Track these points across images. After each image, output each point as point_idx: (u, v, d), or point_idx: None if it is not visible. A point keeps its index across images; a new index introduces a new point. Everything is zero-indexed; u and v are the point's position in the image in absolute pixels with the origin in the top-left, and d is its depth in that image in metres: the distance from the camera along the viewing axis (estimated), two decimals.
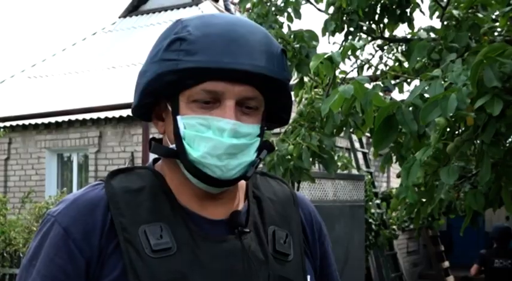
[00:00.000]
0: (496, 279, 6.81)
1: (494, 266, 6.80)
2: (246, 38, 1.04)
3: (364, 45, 3.20)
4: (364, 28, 3.75)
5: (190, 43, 1.02)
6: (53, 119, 9.09)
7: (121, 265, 1.02)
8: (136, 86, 1.11)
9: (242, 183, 1.16)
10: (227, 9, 11.49)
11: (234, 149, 1.04)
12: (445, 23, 3.17)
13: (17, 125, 9.44)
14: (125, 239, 1.03)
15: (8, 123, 9.30)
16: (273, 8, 3.91)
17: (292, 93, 4.02)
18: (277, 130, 4.01)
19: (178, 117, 1.05)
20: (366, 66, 3.91)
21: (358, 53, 3.07)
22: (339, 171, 6.98)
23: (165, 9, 12.47)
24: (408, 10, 3.73)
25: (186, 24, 1.06)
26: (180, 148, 1.05)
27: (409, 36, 3.88)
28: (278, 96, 1.11)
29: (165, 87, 1.05)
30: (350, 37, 3.72)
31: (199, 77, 1.03)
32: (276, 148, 3.42)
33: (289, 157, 3.39)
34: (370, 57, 3.99)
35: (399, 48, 4.21)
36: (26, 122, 9.29)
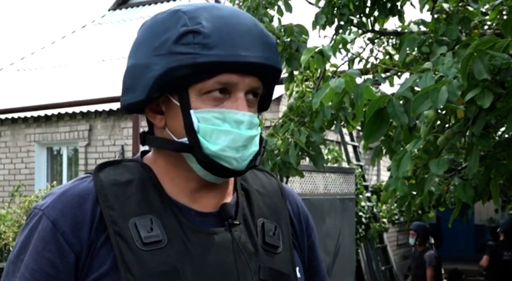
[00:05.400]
0: (504, 271, 6.81)
1: (503, 259, 6.80)
2: (254, 30, 1.07)
3: (355, 39, 3.20)
4: (355, 21, 3.75)
5: (206, 37, 1.02)
6: (42, 113, 9.04)
7: (111, 258, 1.02)
8: (136, 80, 1.07)
9: None
10: (217, 1, 11.45)
11: (249, 141, 1.06)
12: (436, 16, 3.17)
13: (6, 118, 9.39)
14: (114, 232, 1.02)
15: None
16: (263, 1, 3.90)
17: (283, 86, 4.02)
18: (267, 124, 4.00)
19: (192, 111, 1.04)
20: (357, 59, 3.91)
21: (348, 46, 3.07)
22: (329, 164, 7.00)
23: (155, 2, 12.42)
24: (399, 3, 3.73)
25: (194, 16, 1.04)
26: (194, 141, 1.05)
27: (399, 30, 3.88)
28: (270, 86, 1.14)
29: (177, 81, 1.04)
30: (341, 31, 3.71)
31: (216, 70, 1.03)
32: None
33: (277, 151, 3.39)
34: (360, 50, 3.99)
35: (390, 41, 4.22)
36: (15, 115, 9.23)
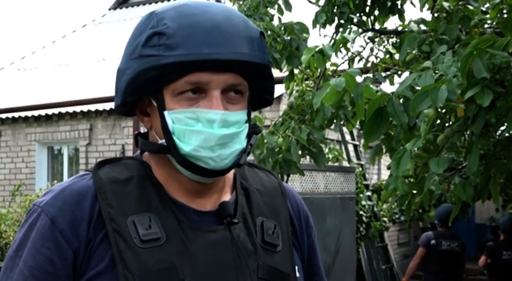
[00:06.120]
0: (504, 271, 6.80)
1: (502, 259, 6.78)
2: (224, 25, 1.03)
3: (355, 38, 3.20)
4: (355, 20, 3.75)
5: (170, 37, 1.01)
6: (43, 112, 9.04)
7: (109, 255, 1.02)
8: (117, 85, 1.10)
9: (230, 174, 1.16)
10: (217, 0, 11.44)
11: (225, 139, 1.03)
12: (436, 15, 3.17)
13: (7, 117, 9.40)
14: (113, 229, 1.02)
15: None
16: (264, 0, 3.90)
17: (283, 85, 4.02)
18: (268, 122, 4.00)
19: (166, 113, 1.04)
20: (357, 58, 3.91)
21: (349, 45, 3.07)
22: (330, 163, 7.00)
23: (156, 1, 12.42)
24: (399, 2, 3.73)
25: (162, 17, 1.04)
26: (170, 143, 1.04)
27: (399, 29, 3.88)
28: (261, 80, 1.11)
29: (148, 83, 1.04)
30: (341, 29, 3.71)
31: (182, 70, 1.01)
32: (266, 141, 3.41)
33: (278, 149, 3.38)
34: (361, 49, 3.98)
35: (390, 40, 4.22)
36: (16, 114, 9.23)
